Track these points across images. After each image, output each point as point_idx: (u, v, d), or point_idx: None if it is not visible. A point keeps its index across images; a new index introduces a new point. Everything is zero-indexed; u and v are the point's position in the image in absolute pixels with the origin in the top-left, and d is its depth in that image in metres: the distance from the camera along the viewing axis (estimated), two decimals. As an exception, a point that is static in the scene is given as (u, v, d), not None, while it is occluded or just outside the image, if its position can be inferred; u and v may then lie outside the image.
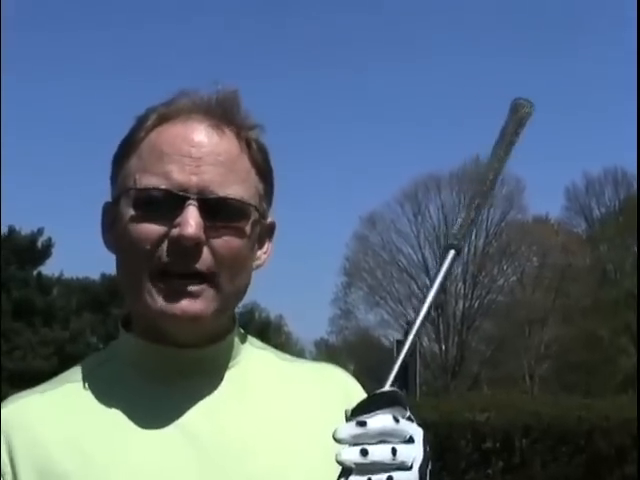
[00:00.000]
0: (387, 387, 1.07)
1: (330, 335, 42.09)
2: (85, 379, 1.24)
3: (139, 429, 1.19)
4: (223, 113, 1.22)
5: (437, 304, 38.47)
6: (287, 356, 1.37)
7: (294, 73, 58.84)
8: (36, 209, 49.82)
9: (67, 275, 34.28)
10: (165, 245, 1.16)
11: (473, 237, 39.55)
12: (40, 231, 32.69)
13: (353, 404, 1.10)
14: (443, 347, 38.14)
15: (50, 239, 32.93)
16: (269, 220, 1.28)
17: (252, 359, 1.31)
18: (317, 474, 1.19)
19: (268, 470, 1.20)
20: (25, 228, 32.64)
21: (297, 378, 1.32)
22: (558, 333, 38.35)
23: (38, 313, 32.03)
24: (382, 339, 40.19)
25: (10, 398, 1.23)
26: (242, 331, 1.33)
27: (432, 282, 1.18)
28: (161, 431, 1.20)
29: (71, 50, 57.21)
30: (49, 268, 33.18)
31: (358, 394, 1.31)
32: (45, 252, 33.30)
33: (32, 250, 32.72)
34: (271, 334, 54.86)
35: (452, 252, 1.18)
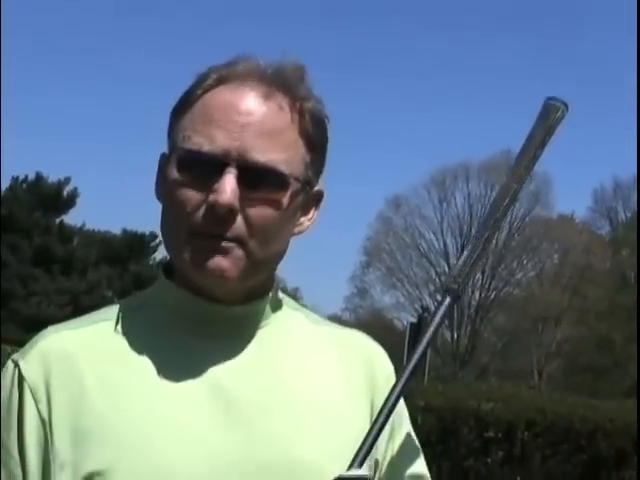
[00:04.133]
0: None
1: (344, 312, 42.14)
2: (120, 321, 1.28)
3: (170, 377, 1.23)
4: (279, 82, 1.25)
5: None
6: (317, 318, 1.40)
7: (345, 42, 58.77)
8: (66, 157, 50.03)
9: (89, 227, 34.44)
10: (202, 209, 1.20)
11: (496, 229, 39.46)
12: (67, 180, 32.80)
13: (374, 371, 1.27)
14: (455, 335, 38.16)
15: (76, 189, 33.04)
16: (317, 188, 1.30)
17: (285, 319, 1.33)
18: (333, 438, 1.26)
19: (292, 429, 1.24)
20: (53, 176, 32.74)
21: (322, 341, 1.35)
22: (571, 333, 38.29)
23: (57, 261, 32.23)
24: (395, 321, 40.29)
25: (48, 330, 1.28)
26: (280, 293, 1.36)
27: (426, 329, 1.22)
28: (191, 382, 1.23)
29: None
30: (72, 218, 33.31)
31: (381, 363, 1.37)
32: (70, 201, 33.45)
33: (57, 198, 32.86)
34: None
35: (448, 299, 1.21)
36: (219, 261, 1.20)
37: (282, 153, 1.21)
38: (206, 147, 1.20)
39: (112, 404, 1.22)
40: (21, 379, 1.23)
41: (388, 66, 56.30)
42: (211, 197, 1.19)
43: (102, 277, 38.87)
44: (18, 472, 1.22)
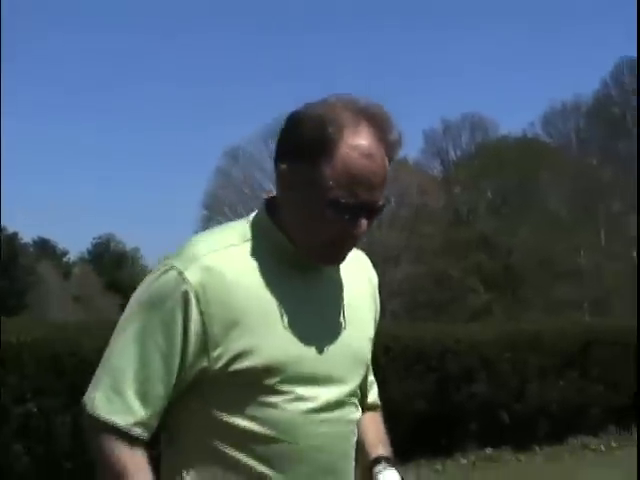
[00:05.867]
0: None
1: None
2: (249, 247, 1.83)
3: (288, 294, 1.82)
4: (384, 138, 1.80)
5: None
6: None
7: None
8: None
9: None
10: (338, 234, 1.79)
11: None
12: None
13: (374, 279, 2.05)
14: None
15: None
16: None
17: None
18: (368, 331, 1.99)
19: (353, 328, 1.92)
20: None
21: (353, 265, 1.97)
22: (410, 271, 39.48)
23: None
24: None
25: (202, 247, 1.80)
26: None
27: None
28: (302, 297, 1.85)
29: None
30: None
31: (374, 273, 2.08)
32: None
33: None
34: (127, 266, 54.54)
35: None
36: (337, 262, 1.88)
37: (383, 192, 1.81)
38: (352, 201, 1.76)
39: (255, 308, 1.79)
40: (186, 286, 1.74)
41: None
42: (352, 232, 1.79)
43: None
44: (176, 355, 1.75)
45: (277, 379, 1.78)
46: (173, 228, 71.81)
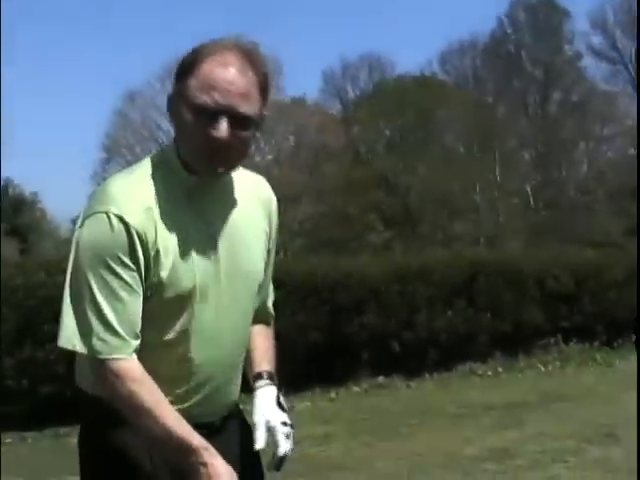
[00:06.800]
0: None
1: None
2: (162, 180, 2.07)
3: (191, 222, 2.07)
4: (247, 56, 2.04)
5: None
6: (239, 173, 2.20)
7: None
8: None
9: None
10: (205, 139, 2.00)
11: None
12: None
13: (270, 202, 2.26)
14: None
15: None
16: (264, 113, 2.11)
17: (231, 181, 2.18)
18: (260, 253, 2.22)
19: (247, 250, 2.16)
20: None
21: (246, 187, 2.21)
22: (311, 211, 39.75)
23: None
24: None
25: (123, 189, 2.04)
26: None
27: None
28: (201, 224, 2.09)
29: None
30: None
31: (271, 195, 2.29)
32: None
33: None
34: (25, 210, 53.53)
35: None
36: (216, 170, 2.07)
37: (251, 105, 2.02)
38: (210, 104, 1.99)
39: (170, 239, 2.04)
40: (127, 226, 1.98)
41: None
42: (216, 135, 1.99)
43: None
44: (137, 281, 2.00)
45: (186, 301, 2.06)
46: (72, 171, 70.72)
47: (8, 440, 7.90)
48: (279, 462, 2.16)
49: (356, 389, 9.90)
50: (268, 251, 2.26)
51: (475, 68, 44.84)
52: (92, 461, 2.18)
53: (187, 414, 2.06)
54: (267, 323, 2.36)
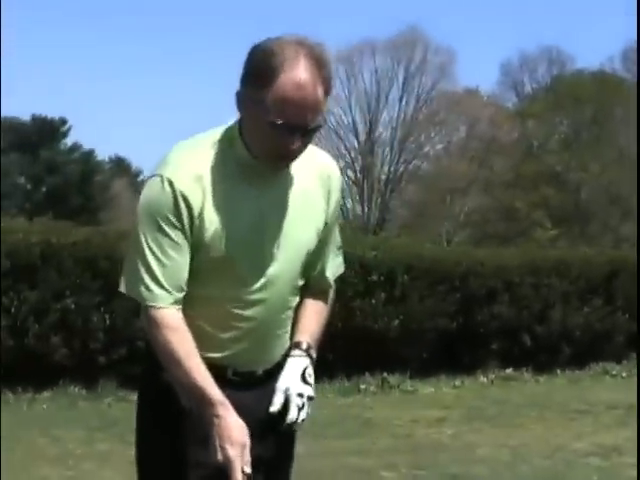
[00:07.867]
0: None
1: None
2: (222, 154, 2.27)
3: (245, 198, 2.27)
4: (320, 66, 2.18)
5: (362, 167, 39.10)
6: (306, 155, 2.33)
7: None
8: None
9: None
10: (278, 148, 2.20)
11: (403, 103, 40.16)
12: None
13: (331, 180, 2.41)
14: (366, 209, 39.10)
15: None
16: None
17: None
18: (315, 225, 2.37)
19: (299, 223, 2.34)
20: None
21: (308, 170, 2.36)
22: (478, 203, 39.41)
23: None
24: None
25: (182, 156, 2.27)
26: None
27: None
28: (254, 201, 2.28)
29: None
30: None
31: (336, 175, 2.45)
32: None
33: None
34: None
35: None
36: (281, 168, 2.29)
37: (319, 116, 2.20)
38: (285, 123, 2.16)
39: (217, 207, 2.25)
40: (174, 190, 2.21)
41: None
42: (290, 147, 2.19)
43: (13, 164, 38.59)
44: (183, 240, 2.22)
45: (229, 262, 2.26)
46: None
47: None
48: (287, 428, 2.34)
49: (482, 379, 9.92)
50: (326, 224, 2.40)
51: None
52: (143, 400, 2.42)
53: (232, 360, 2.31)
54: (325, 292, 2.50)
